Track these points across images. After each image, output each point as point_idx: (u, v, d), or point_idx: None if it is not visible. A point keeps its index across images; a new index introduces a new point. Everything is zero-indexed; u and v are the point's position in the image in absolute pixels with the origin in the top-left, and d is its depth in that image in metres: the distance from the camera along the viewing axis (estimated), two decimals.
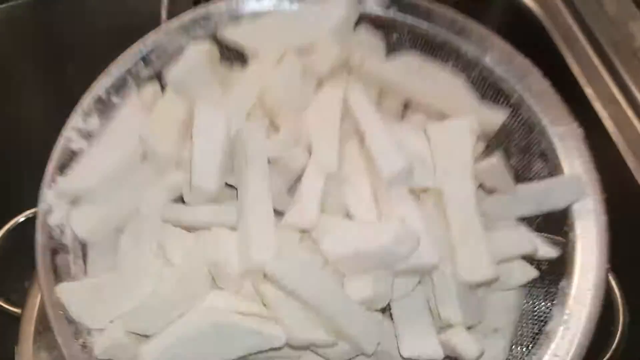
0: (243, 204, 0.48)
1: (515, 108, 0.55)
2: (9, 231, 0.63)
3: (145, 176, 0.51)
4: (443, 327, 0.49)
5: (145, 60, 0.55)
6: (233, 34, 0.55)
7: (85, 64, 0.80)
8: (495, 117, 0.55)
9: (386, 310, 0.50)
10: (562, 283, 0.49)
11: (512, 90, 0.55)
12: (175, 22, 0.56)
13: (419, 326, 0.48)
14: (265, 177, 0.49)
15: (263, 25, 0.56)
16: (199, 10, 0.57)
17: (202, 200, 0.49)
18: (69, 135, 0.52)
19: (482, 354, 0.47)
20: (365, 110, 0.51)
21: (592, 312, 0.47)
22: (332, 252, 0.47)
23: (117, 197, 0.50)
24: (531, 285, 0.53)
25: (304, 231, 0.50)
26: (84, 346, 0.46)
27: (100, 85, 0.54)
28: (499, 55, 0.55)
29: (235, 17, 0.56)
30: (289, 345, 0.47)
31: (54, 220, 0.49)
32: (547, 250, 0.51)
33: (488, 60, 0.55)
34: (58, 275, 0.48)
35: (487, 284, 0.49)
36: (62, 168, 0.51)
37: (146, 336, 0.47)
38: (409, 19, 0.57)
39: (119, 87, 0.54)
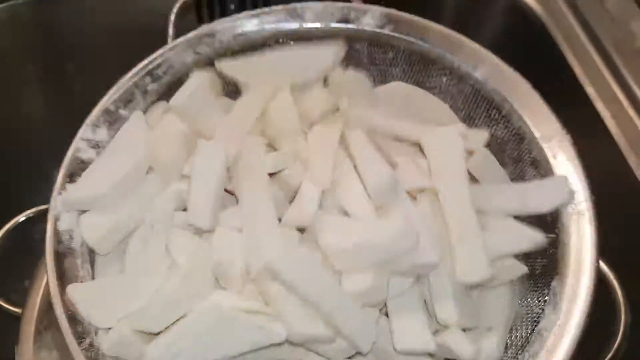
0: (246, 210, 0.50)
1: (507, 119, 0.56)
2: (9, 231, 0.62)
3: (153, 186, 0.53)
4: (439, 329, 0.49)
5: (152, 75, 0.57)
6: (228, 68, 0.58)
7: (85, 64, 0.81)
8: (480, 136, 0.56)
9: (382, 308, 0.50)
10: (554, 283, 0.49)
11: (504, 101, 0.55)
12: (181, 39, 0.59)
13: (413, 321, 0.49)
14: (265, 185, 0.51)
15: (257, 62, 0.58)
16: (204, 28, 0.59)
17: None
18: (79, 146, 0.53)
19: (477, 354, 0.48)
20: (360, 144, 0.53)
21: (584, 307, 0.47)
22: (330, 247, 0.47)
23: (125, 206, 0.51)
24: (524, 285, 0.54)
25: (303, 230, 0.51)
26: (91, 345, 0.47)
27: (109, 98, 0.56)
28: (490, 69, 0.56)
29: (239, 35, 0.59)
30: (290, 341, 0.47)
31: (63, 225, 0.51)
32: (540, 240, 0.51)
33: (480, 74, 0.56)
34: (66, 278, 0.49)
35: (483, 284, 0.50)
36: (72, 176, 0.52)
37: (152, 334, 0.48)
38: (404, 37, 0.58)
39: (127, 100, 0.56)
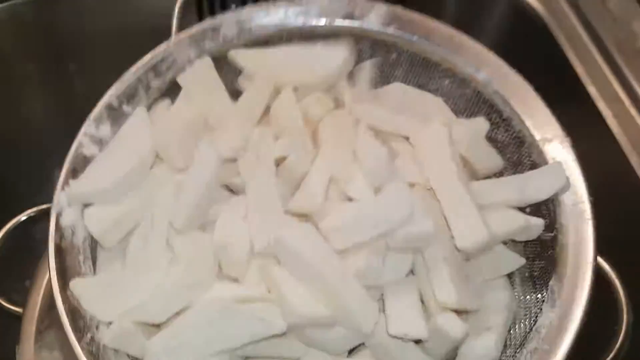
0: (252, 197, 0.51)
1: (508, 122, 0.56)
2: (10, 230, 0.62)
3: (156, 180, 0.53)
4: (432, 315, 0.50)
5: (155, 70, 0.57)
6: (238, 56, 0.57)
7: (86, 63, 0.81)
8: (480, 125, 0.57)
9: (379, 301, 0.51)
10: (552, 282, 0.50)
11: (505, 104, 0.55)
12: (185, 33, 0.58)
13: (408, 309, 0.49)
14: (272, 174, 0.51)
15: (269, 54, 0.58)
16: (208, 22, 0.58)
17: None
18: (82, 141, 0.53)
19: (466, 335, 0.49)
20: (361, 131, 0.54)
21: (583, 305, 0.48)
22: (328, 226, 0.48)
23: (130, 200, 0.52)
24: (523, 286, 0.54)
25: (304, 217, 0.51)
26: (92, 339, 0.48)
27: (112, 94, 0.55)
28: (492, 71, 0.56)
29: (243, 30, 0.58)
30: (291, 326, 0.47)
31: (66, 221, 0.51)
32: (537, 223, 0.52)
33: (482, 76, 0.56)
34: (68, 273, 0.49)
35: (483, 249, 0.50)
36: (75, 172, 0.52)
37: (154, 325, 0.49)
38: (408, 37, 0.58)
39: (130, 96, 0.56)
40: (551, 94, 0.54)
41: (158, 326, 0.49)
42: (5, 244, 0.62)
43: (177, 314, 0.48)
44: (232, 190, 0.55)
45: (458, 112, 0.59)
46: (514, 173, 0.56)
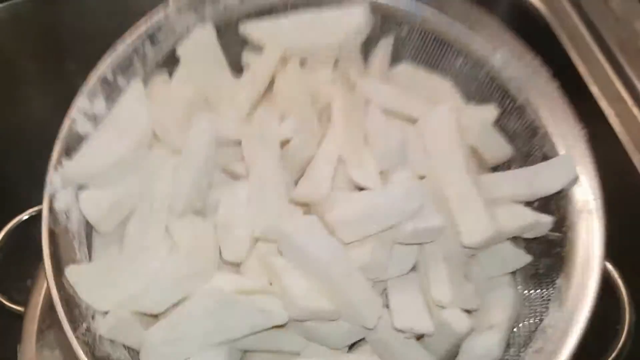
0: (255, 180, 0.49)
1: (521, 110, 0.55)
2: (11, 230, 0.62)
3: (153, 162, 0.50)
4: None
5: (152, 39, 0.53)
6: (253, 29, 0.55)
7: (86, 64, 0.80)
8: (488, 112, 0.55)
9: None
10: (559, 280, 0.49)
11: (519, 92, 0.54)
12: None
13: (413, 303, 0.49)
14: (276, 157, 0.50)
15: (279, 24, 0.55)
16: None
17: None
18: (75, 117, 0.50)
19: (471, 330, 0.48)
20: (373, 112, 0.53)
21: (590, 305, 0.48)
22: (335, 218, 0.47)
23: (127, 182, 0.49)
24: (527, 285, 0.54)
25: (308, 206, 0.50)
26: (88, 330, 0.46)
27: (107, 64, 0.52)
28: (509, 54, 0.55)
29: None
30: (293, 318, 0.47)
31: (60, 205, 0.48)
32: (545, 220, 0.51)
33: (498, 58, 0.55)
34: (63, 260, 0.47)
35: (489, 243, 0.50)
36: (69, 151, 0.49)
37: (152, 316, 0.47)
38: (421, 9, 0.56)
39: (125, 67, 0.53)
40: None
41: (156, 316, 0.47)
42: (7, 243, 0.62)
43: (176, 304, 0.47)
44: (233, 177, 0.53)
45: (470, 96, 0.57)
46: (523, 165, 0.55)
